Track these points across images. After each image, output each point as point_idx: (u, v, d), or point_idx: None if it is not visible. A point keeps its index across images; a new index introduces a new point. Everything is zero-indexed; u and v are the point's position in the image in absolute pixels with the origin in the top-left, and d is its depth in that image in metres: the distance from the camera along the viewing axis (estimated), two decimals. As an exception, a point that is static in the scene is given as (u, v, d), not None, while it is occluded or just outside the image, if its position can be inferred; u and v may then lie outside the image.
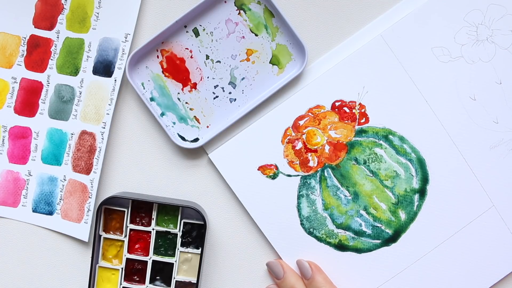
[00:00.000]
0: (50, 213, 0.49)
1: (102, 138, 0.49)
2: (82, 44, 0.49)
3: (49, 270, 0.50)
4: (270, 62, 0.49)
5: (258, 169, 0.49)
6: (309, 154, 0.49)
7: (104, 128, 0.49)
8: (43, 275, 0.50)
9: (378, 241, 0.49)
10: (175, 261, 0.48)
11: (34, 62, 0.49)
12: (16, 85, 0.49)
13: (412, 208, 0.48)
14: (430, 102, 0.48)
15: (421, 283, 0.49)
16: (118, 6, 0.48)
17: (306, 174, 0.49)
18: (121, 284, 0.48)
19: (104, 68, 0.48)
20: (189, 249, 0.48)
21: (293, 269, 0.49)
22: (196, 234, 0.48)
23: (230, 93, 0.49)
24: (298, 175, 0.49)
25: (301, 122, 0.49)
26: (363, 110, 0.48)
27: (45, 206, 0.49)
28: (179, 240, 0.48)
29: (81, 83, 0.49)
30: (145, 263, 0.48)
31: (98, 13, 0.48)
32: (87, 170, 0.49)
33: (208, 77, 0.49)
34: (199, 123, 0.49)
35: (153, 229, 0.48)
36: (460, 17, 0.48)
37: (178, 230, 0.48)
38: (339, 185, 0.48)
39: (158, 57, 0.48)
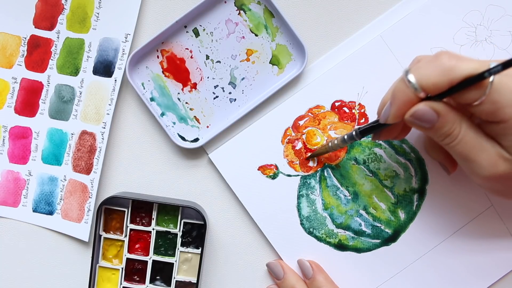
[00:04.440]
0: (50, 213, 0.49)
1: (102, 138, 0.49)
2: (82, 44, 0.49)
3: (49, 270, 0.50)
4: (270, 62, 0.49)
5: (258, 169, 0.49)
6: (309, 154, 0.49)
7: (104, 128, 0.49)
8: (43, 275, 0.50)
9: (378, 241, 0.49)
10: (175, 261, 0.48)
11: (34, 62, 0.49)
12: (16, 85, 0.49)
13: (411, 208, 0.49)
14: (430, 102, 0.48)
15: (421, 282, 0.49)
16: (118, 6, 0.48)
17: (306, 174, 0.49)
18: (121, 284, 0.48)
19: (104, 68, 0.48)
20: (189, 249, 0.48)
21: (293, 269, 0.49)
22: (196, 234, 0.48)
23: (230, 93, 0.49)
24: (298, 175, 0.49)
25: (301, 122, 0.49)
26: (362, 110, 0.49)
27: (45, 206, 0.49)
28: (179, 240, 0.48)
29: (81, 83, 0.49)
30: (145, 263, 0.48)
31: (98, 13, 0.48)
32: (87, 170, 0.49)
33: (208, 77, 0.49)
34: (199, 123, 0.49)
35: (153, 229, 0.48)
36: (459, 18, 0.48)
37: (178, 230, 0.48)
38: (339, 185, 0.49)
39: (158, 57, 0.49)
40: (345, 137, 0.44)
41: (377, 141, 0.48)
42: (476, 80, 0.34)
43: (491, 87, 0.35)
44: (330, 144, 0.46)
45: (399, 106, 0.37)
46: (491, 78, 0.34)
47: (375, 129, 0.42)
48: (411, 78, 0.36)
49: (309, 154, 0.48)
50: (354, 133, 0.43)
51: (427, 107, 0.36)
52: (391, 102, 0.38)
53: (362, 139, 0.49)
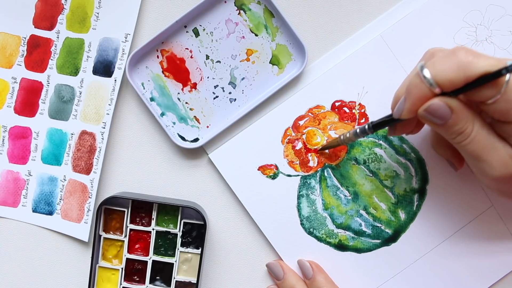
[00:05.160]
0: (50, 213, 0.49)
1: (102, 138, 0.49)
2: (82, 44, 0.49)
3: (49, 270, 0.50)
4: (270, 62, 0.49)
5: (258, 169, 0.49)
6: (309, 154, 0.49)
7: (104, 128, 0.49)
8: (43, 275, 0.50)
9: (378, 241, 0.49)
10: (175, 261, 0.48)
11: (34, 62, 0.49)
12: (16, 85, 0.49)
13: (411, 208, 0.49)
14: (430, 102, 0.48)
15: (421, 282, 0.49)
16: (118, 6, 0.48)
17: (306, 174, 0.49)
18: (121, 284, 0.48)
19: (104, 68, 0.48)
20: (189, 249, 0.48)
21: (293, 269, 0.49)
22: (196, 234, 0.48)
23: (230, 93, 0.49)
24: (298, 175, 0.49)
25: (301, 122, 0.49)
26: (362, 110, 0.49)
27: (45, 206, 0.49)
28: (179, 240, 0.48)
29: (81, 83, 0.49)
30: (145, 263, 0.48)
31: (98, 13, 0.48)
32: (87, 170, 0.49)
33: (208, 77, 0.49)
34: (199, 123, 0.49)
35: (153, 229, 0.48)
36: (459, 18, 0.48)
37: (178, 230, 0.48)
38: (339, 185, 0.49)
39: (158, 57, 0.48)
40: (358, 130, 0.44)
41: (371, 139, 0.48)
42: (493, 77, 0.34)
43: (507, 86, 0.34)
44: (342, 137, 0.45)
45: (413, 101, 0.37)
46: (507, 77, 0.34)
47: (388, 123, 0.41)
48: (427, 73, 0.35)
49: (321, 147, 0.48)
50: (366, 126, 0.43)
51: (442, 102, 0.36)
52: (405, 97, 0.37)
53: (362, 139, 0.49)
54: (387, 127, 0.44)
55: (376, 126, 0.42)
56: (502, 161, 0.37)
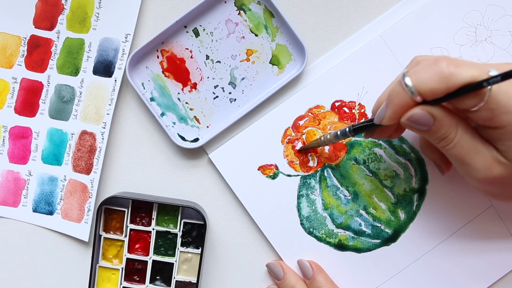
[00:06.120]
0: (50, 213, 0.49)
1: (102, 138, 0.49)
2: (82, 44, 0.49)
3: (49, 270, 0.50)
4: (270, 62, 0.49)
5: (258, 169, 0.49)
6: (309, 154, 0.49)
7: (104, 128, 0.49)
8: (43, 275, 0.50)
9: (378, 241, 0.49)
10: (175, 261, 0.48)
11: (34, 62, 0.49)
12: (16, 85, 0.49)
13: (411, 208, 0.49)
14: (430, 102, 0.48)
15: (421, 282, 0.49)
16: (118, 6, 0.48)
17: (306, 174, 0.49)
18: (121, 284, 0.48)
19: (104, 68, 0.48)
20: (189, 249, 0.48)
21: (293, 269, 0.49)
22: (196, 234, 0.48)
23: (230, 93, 0.49)
24: (298, 175, 0.49)
25: (301, 122, 0.49)
26: (362, 110, 0.49)
27: (45, 206, 0.49)
28: (179, 240, 0.48)
29: (81, 83, 0.49)
30: (145, 263, 0.48)
31: (98, 13, 0.48)
32: (87, 170, 0.49)
33: (208, 77, 0.49)
34: (199, 123, 0.49)
35: (153, 229, 0.48)
36: (459, 18, 0.48)
37: (178, 230, 0.48)
38: (339, 185, 0.49)
39: (158, 57, 0.49)
40: (338, 132, 0.44)
41: (371, 139, 0.48)
42: (474, 88, 0.34)
43: (489, 95, 0.34)
44: (322, 138, 0.46)
45: (394, 109, 0.37)
46: (489, 87, 0.34)
47: (369, 128, 0.42)
48: (408, 81, 0.36)
49: (302, 146, 0.48)
50: (347, 129, 0.43)
51: (424, 111, 0.36)
52: (387, 104, 0.38)
53: (362, 139, 0.49)
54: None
55: (356, 129, 0.42)
56: (485, 164, 0.37)
